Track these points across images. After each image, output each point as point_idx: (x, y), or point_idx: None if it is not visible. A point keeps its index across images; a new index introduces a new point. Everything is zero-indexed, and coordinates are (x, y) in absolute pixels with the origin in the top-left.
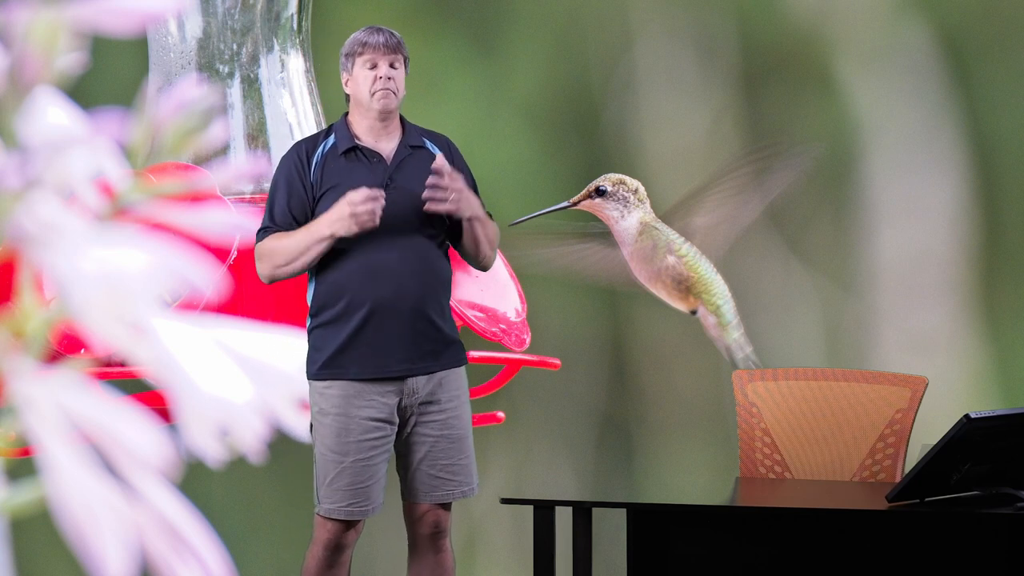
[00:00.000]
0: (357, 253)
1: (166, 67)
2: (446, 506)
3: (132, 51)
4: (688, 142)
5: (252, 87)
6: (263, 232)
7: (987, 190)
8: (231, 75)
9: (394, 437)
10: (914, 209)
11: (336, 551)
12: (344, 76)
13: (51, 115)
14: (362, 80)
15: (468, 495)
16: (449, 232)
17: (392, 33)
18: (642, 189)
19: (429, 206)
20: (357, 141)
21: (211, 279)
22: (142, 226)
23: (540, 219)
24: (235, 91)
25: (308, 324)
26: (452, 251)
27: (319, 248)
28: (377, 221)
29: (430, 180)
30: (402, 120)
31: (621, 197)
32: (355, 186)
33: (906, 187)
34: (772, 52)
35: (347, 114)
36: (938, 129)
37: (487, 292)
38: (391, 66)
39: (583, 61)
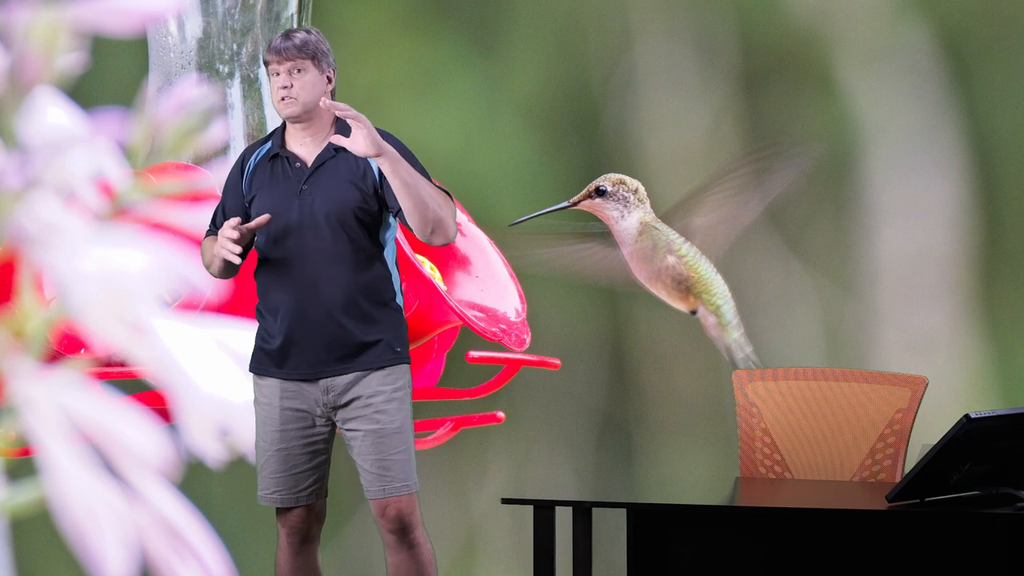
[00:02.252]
0: (275, 258)
1: (166, 67)
2: (401, 500)
3: (132, 51)
4: (688, 142)
5: (252, 87)
6: (207, 233)
7: (987, 190)
8: (231, 75)
9: (325, 431)
10: (914, 209)
11: (293, 536)
12: None
13: (51, 115)
14: (272, 89)
15: (402, 492)
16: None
17: (294, 38)
18: (642, 189)
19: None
20: (282, 147)
21: (211, 279)
22: (142, 226)
23: (540, 219)
24: (235, 91)
25: None
26: (401, 254)
27: (217, 262)
28: (233, 257)
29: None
30: (339, 124)
31: (621, 197)
32: (273, 193)
33: (906, 187)
34: (772, 52)
35: None
36: (938, 129)
37: (487, 292)
38: (290, 72)
39: (583, 61)
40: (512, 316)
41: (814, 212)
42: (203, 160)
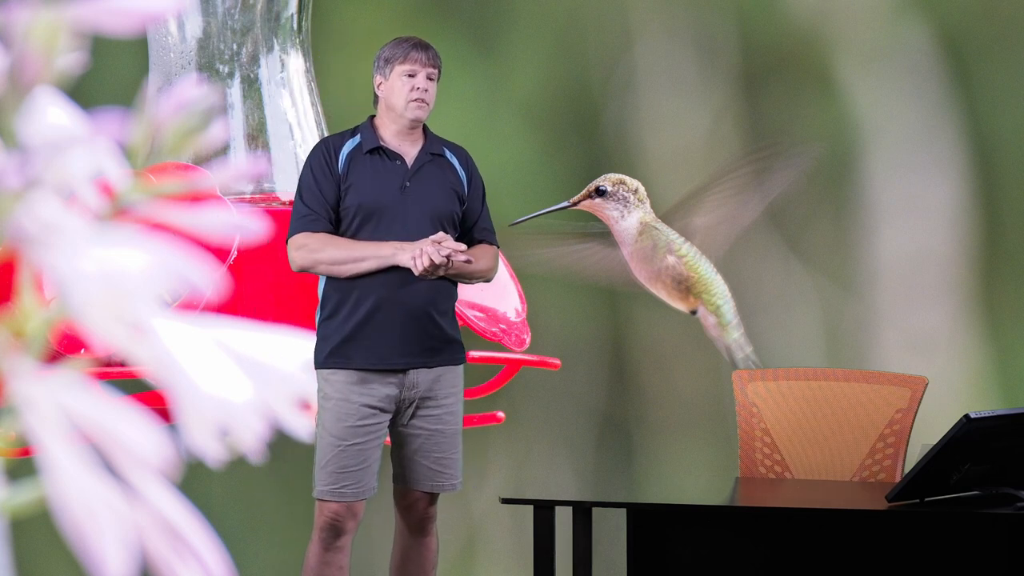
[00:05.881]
0: None
1: (166, 67)
2: (435, 495)
3: (132, 51)
4: (688, 142)
5: (252, 87)
6: (305, 222)
7: (987, 190)
8: (231, 75)
9: (387, 425)
10: (914, 209)
11: (334, 534)
12: (378, 79)
13: (51, 115)
14: (398, 88)
15: (456, 488)
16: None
17: (430, 47)
18: (642, 189)
19: (419, 273)
20: (381, 142)
21: (211, 279)
22: (142, 226)
23: (540, 219)
24: (235, 91)
25: (318, 317)
26: None
27: (376, 264)
28: (440, 272)
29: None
30: (425, 129)
31: (621, 197)
32: (375, 184)
33: (906, 187)
34: (772, 52)
35: (373, 116)
36: (938, 129)
37: (487, 292)
38: (428, 79)
39: (583, 61)
40: (512, 316)
41: (814, 212)
42: (203, 160)
